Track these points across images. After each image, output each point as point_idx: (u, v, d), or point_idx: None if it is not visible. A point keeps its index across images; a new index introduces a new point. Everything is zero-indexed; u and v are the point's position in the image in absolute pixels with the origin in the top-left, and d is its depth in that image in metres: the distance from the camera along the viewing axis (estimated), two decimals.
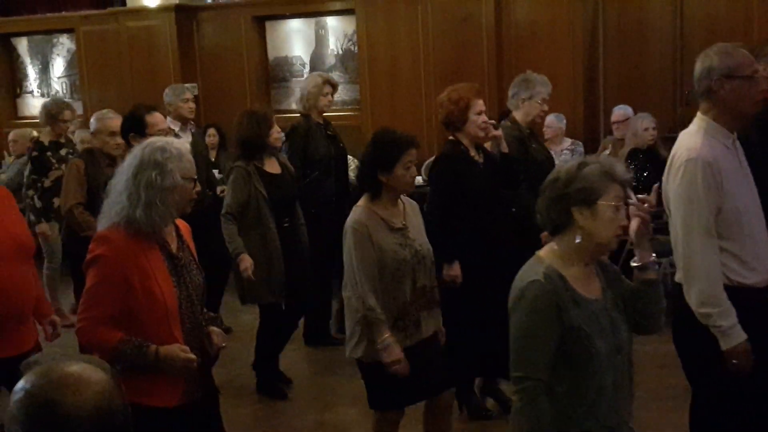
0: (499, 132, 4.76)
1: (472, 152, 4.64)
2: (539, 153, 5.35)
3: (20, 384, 1.55)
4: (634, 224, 2.52)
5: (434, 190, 4.68)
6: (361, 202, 3.71)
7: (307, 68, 9.60)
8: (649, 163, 6.54)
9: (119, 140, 5.15)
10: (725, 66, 3.14)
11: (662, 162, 6.54)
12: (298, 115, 6.16)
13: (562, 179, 2.48)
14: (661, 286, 2.64)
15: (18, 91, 11.05)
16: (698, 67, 3.22)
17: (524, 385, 2.41)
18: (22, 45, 10.94)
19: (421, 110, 8.68)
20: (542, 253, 2.56)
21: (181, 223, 3.20)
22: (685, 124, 8.76)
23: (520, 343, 2.44)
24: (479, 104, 4.57)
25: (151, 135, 4.56)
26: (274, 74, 9.81)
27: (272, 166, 5.22)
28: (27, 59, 10.94)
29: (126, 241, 2.96)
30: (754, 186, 3.23)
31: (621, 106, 7.43)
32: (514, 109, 5.29)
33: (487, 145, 4.89)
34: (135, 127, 4.97)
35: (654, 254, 2.60)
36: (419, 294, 3.67)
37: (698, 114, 3.26)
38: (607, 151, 7.18)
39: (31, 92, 10.99)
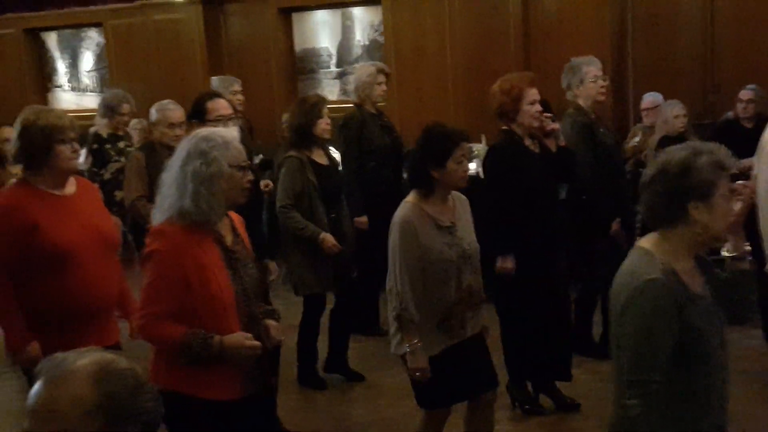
0: (556, 125, 4.68)
1: (527, 142, 4.57)
2: (607, 137, 5.26)
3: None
4: (737, 209, 2.41)
5: (489, 181, 4.62)
6: (411, 198, 3.63)
7: (334, 59, 9.59)
8: None
9: (178, 132, 5.05)
10: None
11: None
12: (350, 105, 6.08)
13: (673, 172, 2.32)
14: (754, 275, 2.55)
15: (48, 85, 11.15)
16: None
17: (645, 389, 2.28)
18: (52, 39, 11.03)
19: (447, 101, 8.64)
20: (648, 245, 2.40)
21: (234, 216, 3.18)
22: (715, 112, 8.63)
23: (639, 344, 2.30)
24: (532, 93, 4.49)
25: (211, 121, 4.55)
26: (301, 66, 9.81)
27: (320, 157, 5.15)
28: (56, 53, 11.03)
29: (181, 234, 2.95)
30: None
31: (651, 93, 7.34)
32: (574, 98, 5.24)
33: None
34: (196, 113, 4.88)
35: (747, 242, 2.51)
36: (465, 294, 3.60)
37: None
38: (637, 138, 7.12)
39: (61, 86, 11.08)
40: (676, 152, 2.39)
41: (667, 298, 2.28)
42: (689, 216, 2.32)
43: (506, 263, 4.46)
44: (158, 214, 3.03)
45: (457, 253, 3.57)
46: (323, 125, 5.08)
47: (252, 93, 9.33)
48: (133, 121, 7.88)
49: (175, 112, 5.18)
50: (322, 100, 5.24)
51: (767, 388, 4.35)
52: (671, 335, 2.28)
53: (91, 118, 7.56)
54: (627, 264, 2.41)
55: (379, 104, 6.11)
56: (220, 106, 4.88)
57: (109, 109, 6.86)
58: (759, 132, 6.47)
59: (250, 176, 3.11)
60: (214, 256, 2.99)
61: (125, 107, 6.88)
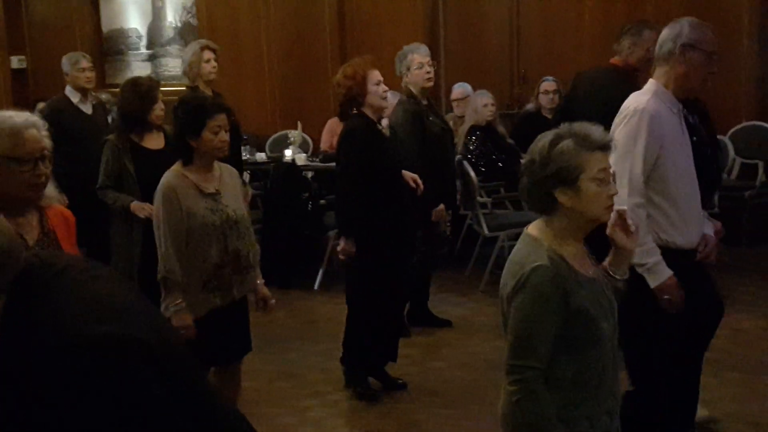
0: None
1: (379, 125, 4.65)
2: (435, 126, 5.37)
3: None
4: (612, 217, 2.39)
5: (343, 164, 4.61)
6: (175, 166, 3.77)
7: (144, 41, 9.27)
8: (488, 139, 6.73)
9: None
10: (692, 37, 3.29)
11: (500, 137, 6.76)
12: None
13: (538, 161, 2.31)
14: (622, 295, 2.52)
15: None
16: (665, 32, 3.35)
17: (525, 375, 2.25)
18: None
19: (263, 82, 8.57)
20: (535, 232, 2.37)
21: (62, 214, 2.90)
22: (521, 101, 8.95)
23: (522, 330, 2.28)
24: (376, 75, 4.57)
25: None
26: (108, 47, 9.42)
27: (154, 141, 4.91)
28: None
29: None
30: (691, 156, 3.34)
31: (460, 84, 7.53)
32: (406, 85, 5.37)
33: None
34: None
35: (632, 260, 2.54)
36: (232, 258, 3.74)
37: (650, 80, 3.40)
38: None
39: None
40: (541, 139, 2.37)
41: (552, 284, 2.26)
42: (560, 203, 2.32)
43: (349, 246, 4.53)
44: None
45: (221, 218, 3.72)
46: (158, 111, 4.92)
47: (54, 75, 8.85)
48: None
49: None
50: (156, 84, 5.03)
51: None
52: (556, 321, 2.27)
53: None
54: (515, 252, 2.38)
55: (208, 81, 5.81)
56: None
57: None
58: (558, 123, 6.83)
59: (45, 170, 2.72)
60: None
61: None
